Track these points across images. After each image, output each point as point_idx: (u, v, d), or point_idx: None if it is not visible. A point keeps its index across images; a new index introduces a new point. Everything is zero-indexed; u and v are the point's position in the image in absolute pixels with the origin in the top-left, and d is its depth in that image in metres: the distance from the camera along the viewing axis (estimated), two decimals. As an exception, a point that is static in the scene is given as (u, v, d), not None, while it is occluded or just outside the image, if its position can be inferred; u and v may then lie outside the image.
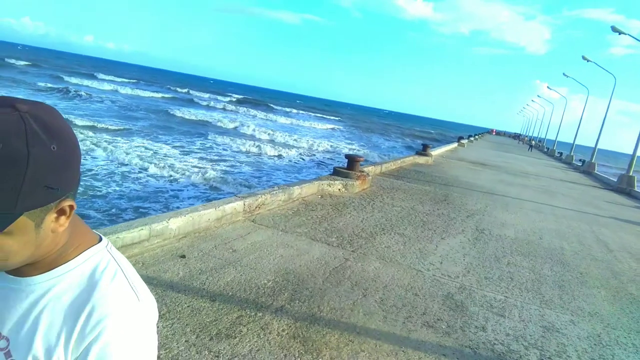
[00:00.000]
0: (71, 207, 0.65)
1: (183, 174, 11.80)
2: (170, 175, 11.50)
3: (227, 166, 14.64)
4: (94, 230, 0.77)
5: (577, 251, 6.49)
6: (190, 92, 61.65)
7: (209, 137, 20.41)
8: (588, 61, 29.16)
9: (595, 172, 25.27)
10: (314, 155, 21.87)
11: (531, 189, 13.38)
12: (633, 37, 20.52)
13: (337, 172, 8.02)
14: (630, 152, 19.09)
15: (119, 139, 15.81)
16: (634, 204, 14.75)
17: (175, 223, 4.04)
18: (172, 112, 29.23)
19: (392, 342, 2.98)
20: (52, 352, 0.65)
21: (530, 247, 6.24)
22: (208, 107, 42.89)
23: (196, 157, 15.17)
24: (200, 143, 18.72)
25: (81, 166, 0.67)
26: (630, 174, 18.34)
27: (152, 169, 11.68)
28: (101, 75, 57.37)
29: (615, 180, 19.75)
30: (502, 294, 4.24)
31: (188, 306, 2.97)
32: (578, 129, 35.68)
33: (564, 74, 37.86)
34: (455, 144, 27.85)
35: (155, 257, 3.64)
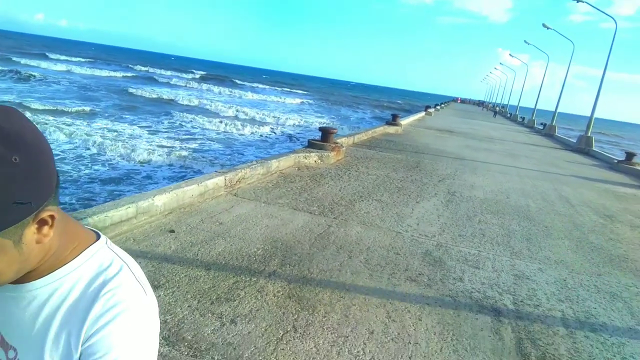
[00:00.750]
0: (52, 216, 0.60)
1: (153, 155, 11.62)
2: (141, 156, 11.30)
3: (197, 144, 14.48)
4: (88, 228, 0.74)
5: (541, 207, 6.92)
6: (151, 70, 59.63)
7: (176, 116, 19.97)
8: (548, 28, 29.91)
9: (556, 134, 26.35)
10: (285, 129, 21.82)
11: (496, 152, 13.91)
12: (590, 4, 21.18)
13: (312, 145, 8.13)
14: (588, 114, 19.99)
15: (82, 121, 15.31)
16: (592, 162, 15.59)
17: (161, 200, 4.10)
18: (134, 92, 28.28)
19: (380, 296, 3.21)
20: (68, 355, 0.63)
21: (499, 206, 6.62)
22: (171, 85, 41.69)
23: (164, 137, 14.91)
24: (168, 122, 18.36)
25: None
26: (589, 134, 19.26)
27: (121, 151, 11.44)
28: (54, 55, 54.55)
29: (575, 141, 20.71)
30: (475, 248, 4.55)
31: (185, 275, 3.09)
32: (539, 94, 36.87)
33: (525, 41, 38.75)
34: (422, 113, 28.31)
35: (144, 233, 3.71)
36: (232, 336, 2.48)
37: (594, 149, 18.60)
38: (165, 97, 28.46)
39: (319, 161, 7.63)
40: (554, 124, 27.68)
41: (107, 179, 9.21)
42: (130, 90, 28.82)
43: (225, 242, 3.80)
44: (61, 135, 12.47)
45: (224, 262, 3.40)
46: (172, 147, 13.10)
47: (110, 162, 10.52)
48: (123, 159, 10.95)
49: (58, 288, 0.65)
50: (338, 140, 8.95)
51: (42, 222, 0.59)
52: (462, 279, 3.74)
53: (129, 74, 45.87)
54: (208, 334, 2.46)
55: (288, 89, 67.11)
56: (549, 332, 3.06)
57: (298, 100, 45.53)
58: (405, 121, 18.39)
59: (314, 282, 3.27)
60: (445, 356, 2.59)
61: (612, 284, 4.15)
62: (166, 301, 2.72)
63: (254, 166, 5.90)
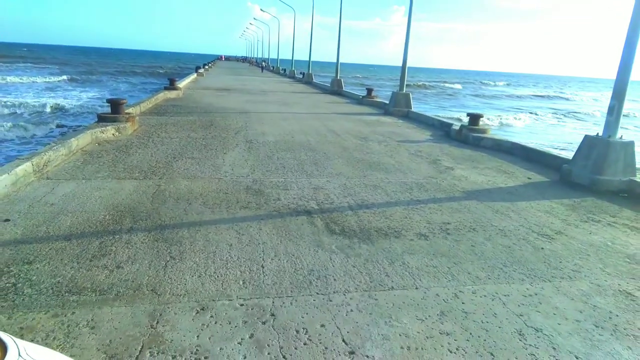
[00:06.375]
0: None
1: None
2: None
3: None
4: None
5: (318, 140, 8.72)
6: None
7: None
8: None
9: (314, 81, 30.32)
10: (46, 112, 19.07)
11: (273, 103, 15.68)
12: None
13: (103, 119, 7.97)
14: (335, 60, 23.77)
15: None
16: (345, 100, 19.05)
17: (-24, 194, 3.90)
18: None
19: (226, 223, 4.09)
20: None
21: (288, 144, 8.08)
22: None
23: None
24: None
25: None
26: (338, 77, 23.06)
27: None
28: None
29: (329, 85, 24.48)
30: (281, 177, 5.80)
31: (50, 249, 3.33)
32: (293, 46, 40.88)
33: (273, -4, 41.66)
34: (195, 75, 28.40)
35: (-24, 228, 3.60)
36: (125, 275, 3.02)
37: (344, 89, 22.51)
38: None
39: (117, 133, 7.63)
40: (310, 72, 31.66)
41: None
42: None
43: (68, 217, 3.99)
44: None
45: (79, 232, 3.69)
46: None
47: None
48: None
49: None
50: (128, 111, 8.91)
51: None
52: (279, 198, 4.91)
53: None
54: (103, 280, 2.95)
55: (32, 64, 56.08)
56: (342, 215, 4.52)
57: (52, 79, 38.30)
58: (182, 84, 18.48)
59: (170, 226, 3.92)
60: (285, 244, 3.70)
61: (373, 180, 6.01)
62: (47, 270, 3.01)
63: (55, 147, 5.72)
